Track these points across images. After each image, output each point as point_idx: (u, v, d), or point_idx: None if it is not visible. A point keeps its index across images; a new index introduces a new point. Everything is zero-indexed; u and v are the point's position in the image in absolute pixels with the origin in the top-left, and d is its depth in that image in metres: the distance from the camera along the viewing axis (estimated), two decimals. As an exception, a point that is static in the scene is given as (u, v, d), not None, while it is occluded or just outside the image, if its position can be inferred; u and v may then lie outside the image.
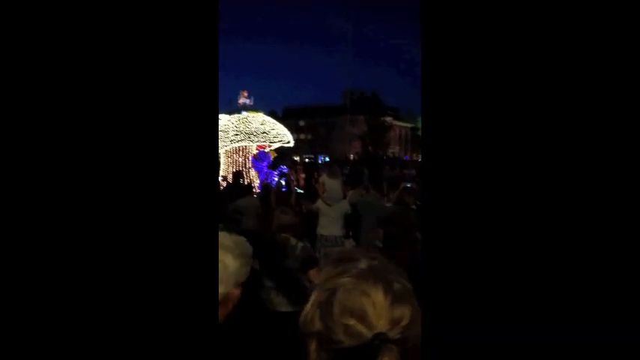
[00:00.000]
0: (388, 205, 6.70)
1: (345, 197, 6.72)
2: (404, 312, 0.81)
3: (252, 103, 12.98)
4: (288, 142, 12.42)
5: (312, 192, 8.41)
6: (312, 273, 3.48)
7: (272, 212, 4.69)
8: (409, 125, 50.02)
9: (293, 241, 3.56)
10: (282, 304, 3.38)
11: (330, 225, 6.16)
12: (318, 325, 0.83)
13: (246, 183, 9.38)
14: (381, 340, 0.78)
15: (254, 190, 8.69)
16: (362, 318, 0.80)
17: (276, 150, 12.51)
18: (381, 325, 0.79)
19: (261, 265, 3.38)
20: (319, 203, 6.34)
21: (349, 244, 6.52)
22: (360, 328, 0.79)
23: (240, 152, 11.93)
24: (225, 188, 8.48)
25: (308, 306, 0.86)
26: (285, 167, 11.06)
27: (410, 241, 4.59)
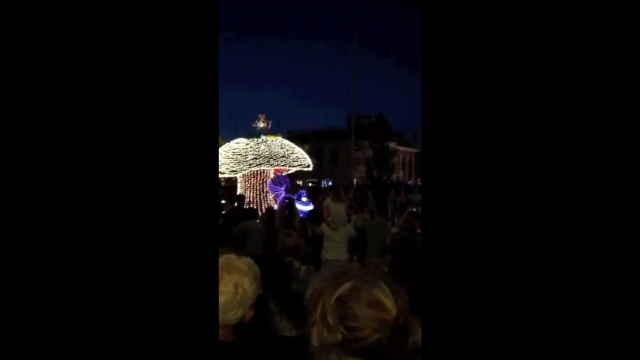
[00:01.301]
0: (394, 229, 6.64)
1: (349, 221, 6.66)
2: (401, 300, 0.88)
3: (269, 127, 12.78)
4: (308, 166, 12.13)
5: (317, 216, 8.35)
6: None
7: (276, 236, 4.65)
8: (413, 150, 50.19)
9: (296, 264, 3.50)
10: (286, 328, 3.30)
11: (334, 249, 6.10)
12: (338, 335, 0.86)
13: (254, 207, 9.31)
14: (403, 317, 0.85)
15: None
16: (379, 306, 0.86)
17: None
18: (392, 307, 0.86)
19: (265, 288, 3.30)
20: (324, 227, 6.29)
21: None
22: (381, 314, 0.85)
23: (258, 176, 11.66)
24: (229, 211, 8.42)
25: (316, 329, 0.89)
26: (304, 191, 10.83)
27: (419, 268, 4.50)
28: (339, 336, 0.86)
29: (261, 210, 9.34)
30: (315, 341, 0.89)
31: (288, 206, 8.24)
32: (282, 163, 11.57)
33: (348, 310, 0.86)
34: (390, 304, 0.87)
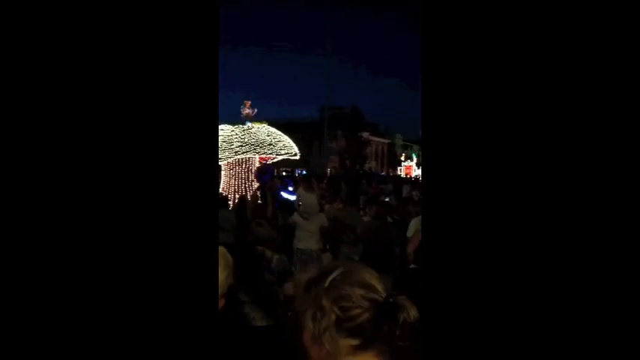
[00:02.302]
0: (366, 219, 6.68)
1: (322, 211, 6.66)
2: (388, 285, 0.94)
3: (254, 114, 12.28)
4: (295, 155, 11.67)
5: (287, 205, 8.34)
6: (287, 286, 3.42)
7: (247, 225, 4.61)
8: (386, 141, 50.52)
9: (268, 253, 3.48)
10: (257, 318, 3.29)
11: (306, 238, 6.09)
12: (332, 316, 0.90)
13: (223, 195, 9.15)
14: (393, 297, 0.90)
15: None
16: (369, 287, 0.92)
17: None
18: (382, 289, 0.92)
19: (236, 278, 3.27)
20: (296, 216, 6.26)
21: (326, 257, 6.46)
22: (372, 295, 0.90)
23: (243, 164, 11.12)
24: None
25: (309, 313, 0.93)
26: (290, 181, 10.51)
27: (389, 256, 4.57)
28: (333, 316, 0.90)
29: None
30: (309, 324, 0.93)
31: (261, 195, 8.20)
32: (269, 151, 11.12)
33: (341, 291, 0.91)
34: (379, 286, 0.92)
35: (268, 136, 11.50)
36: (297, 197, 7.46)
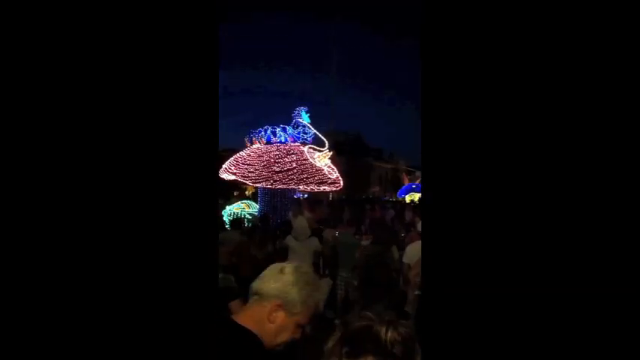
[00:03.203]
0: (365, 243, 6.49)
1: (321, 235, 6.54)
2: (404, 332, 0.91)
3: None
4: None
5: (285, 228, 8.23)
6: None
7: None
8: (390, 166, 50.56)
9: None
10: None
11: (298, 261, 5.89)
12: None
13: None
14: (398, 348, 0.88)
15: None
16: (376, 340, 0.89)
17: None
18: (390, 340, 0.89)
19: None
20: (289, 240, 6.30)
21: (325, 282, 6.26)
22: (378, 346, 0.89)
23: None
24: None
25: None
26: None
27: (388, 280, 4.34)
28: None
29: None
30: None
31: (262, 217, 8.11)
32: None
33: (349, 346, 0.92)
34: (386, 336, 0.90)
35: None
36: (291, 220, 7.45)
